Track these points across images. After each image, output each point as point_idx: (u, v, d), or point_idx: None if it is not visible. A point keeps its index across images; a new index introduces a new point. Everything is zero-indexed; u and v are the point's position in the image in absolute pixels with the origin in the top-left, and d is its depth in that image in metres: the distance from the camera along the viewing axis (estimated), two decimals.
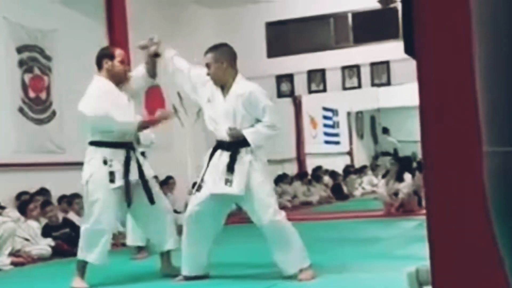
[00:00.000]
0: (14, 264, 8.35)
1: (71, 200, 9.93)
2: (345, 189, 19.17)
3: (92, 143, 6.24)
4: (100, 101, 6.18)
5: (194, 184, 6.50)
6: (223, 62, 5.93)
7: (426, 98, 1.85)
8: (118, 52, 6.43)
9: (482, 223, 1.60)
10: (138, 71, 6.48)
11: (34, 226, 9.08)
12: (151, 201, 6.31)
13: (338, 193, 18.66)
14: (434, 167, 1.86)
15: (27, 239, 8.85)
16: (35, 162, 10.22)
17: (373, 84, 13.17)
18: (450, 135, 1.83)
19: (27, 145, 10.18)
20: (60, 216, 9.62)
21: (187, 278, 6.12)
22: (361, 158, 24.88)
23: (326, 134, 22.88)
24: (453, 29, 1.78)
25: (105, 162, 6.13)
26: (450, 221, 1.86)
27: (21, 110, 10.12)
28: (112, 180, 6.13)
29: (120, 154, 6.22)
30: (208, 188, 5.91)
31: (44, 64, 10.58)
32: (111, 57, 6.35)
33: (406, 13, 1.94)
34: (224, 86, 5.97)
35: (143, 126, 6.41)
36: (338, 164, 21.38)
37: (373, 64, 12.86)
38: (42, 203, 9.66)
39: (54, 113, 10.65)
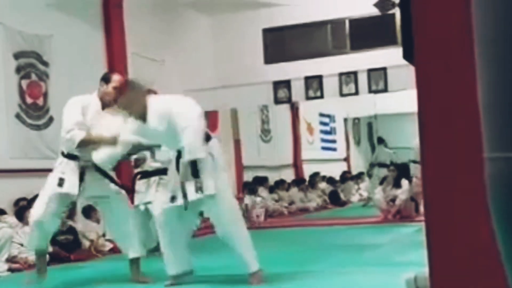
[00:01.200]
0: (10, 270, 8.36)
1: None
2: (342, 195, 19.19)
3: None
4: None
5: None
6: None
7: (425, 104, 1.84)
8: (114, 77, 6.77)
9: (482, 230, 1.63)
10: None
11: None
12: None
13: (335, 199, 18.68)
14: (433, 173, 1.84)
15: (23, 245, 8.79)
16: (32, 168, 10.17)
17: (370, 91, 13.16)
18: (449, 141, 1.82)
19: (24, 151, 10.19)
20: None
21: (176, 278, 6.31)
22: (358, 165, 24.88)
23: (323, 140, 22.92)
24: (452, 35, 1.78)
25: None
26: (449, 227, 1.84)
27: (18, 116, 10.12)
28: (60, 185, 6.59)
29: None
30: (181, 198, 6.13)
31: (41, 70, 10.58)
32: (107, 80, 6.72)
33: (405, 18, 1.94)
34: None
35: (84, 142, 6.53)
36: (335, 170, 21.42)
37: (370, 71, 12.86)
38: None
39: (51, 119, 10.62)
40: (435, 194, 1.85)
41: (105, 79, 6.75)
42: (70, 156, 6.64)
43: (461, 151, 1.78)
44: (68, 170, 6.59)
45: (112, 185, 6.80)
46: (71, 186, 6.56)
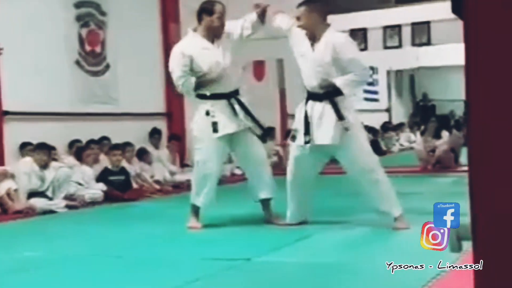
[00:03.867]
0: (68, 207, 8.77)
1: (123, 149, 10.27)
2: (382, 145, 19.32)
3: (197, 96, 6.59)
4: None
5: (288, 132, 6.67)
6: (314, 14, 6.12)
7: (473, 57, 1.78)
8: (217, 7, 6.55)
9: None
10: (246, 20, 6.64)
11: (88, 172, 9.52)
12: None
13: (376, 148, 18.75)
14: (479, 124, 1.79)
15: (81, 184, 9.29)
16: (90, 112, 10.64)
17: (413, 44, 13.26)
18: (497, 95, 1.76)
19: (82, 96, 10.57)
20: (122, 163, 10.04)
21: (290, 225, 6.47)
22: (399, 115, 25.03)
23: (365, 91, 22.97)
24: None
25: (207, 113, 6.47)
26: (494, 177, 1.78)
27: (77, 62, 10.52)
28: (215, 130, 6.48)
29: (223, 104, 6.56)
30: (303, 140, 6.14)
31: (99, 19, 10.93)
32: (211, 12, 6.52)
33: None
34: (314, 38, 6.14)
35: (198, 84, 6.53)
36: (376, 121, 21.54)
37: (414, 24, 12.97)
38: (110, 147, 10.16)
39: (108, 66, 11.05)
40: (480, 144, 1.79)
41: (208, 10, 6.51)
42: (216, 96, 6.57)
43: (509, 104, 1.75)
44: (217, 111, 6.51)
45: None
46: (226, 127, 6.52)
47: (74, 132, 10.18)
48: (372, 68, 23.03)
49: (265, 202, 6.78)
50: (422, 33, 13.07)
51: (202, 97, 6.53)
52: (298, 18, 6.18)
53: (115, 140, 10.48)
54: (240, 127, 6.55)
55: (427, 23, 12.90)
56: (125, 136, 10.62)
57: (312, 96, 6.19)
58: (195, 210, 6.68)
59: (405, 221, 6.06)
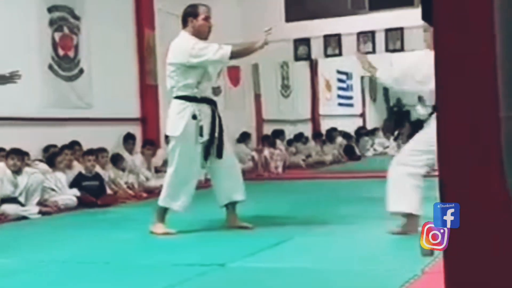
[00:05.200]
0: (41, 213, 8.70)
1: (97, 154, 10.21)
2: (357, 150, 19.48)
3: (179, 98, 6.47)
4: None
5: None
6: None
7: (442, 63, 1.85)
8: (202, 9, 6.51)
9: (494, 186, 1.75)
10: None
11: (61, 178, 9.45)
12: (219, 155, 6.57)
13: (350, 153, 18.95)
14: (448, 130, 1.85)
15: (54, 190, 9.23)
16: (63, 117, 10.53)
17: (387, 50, 13.38)
18: (465, 100, 1.83)
19: (55, 101, 10.49)
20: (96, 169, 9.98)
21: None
22: (373, 121, 25.18)
23: (340, 96, 23.14)
24: None
25: (194, 117, 6.39)
26: (462, 182, 1.85)
27: (50, 67, 10.43)
28: (201, 134, 6.41)
29: (207, 109, 6.52)
30: None
31: (73, 24, 10.86)
32: (196, 15, 6.47)
33: None
34: None
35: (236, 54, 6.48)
36: (350, 126, 21.70)
37: (387, 31, 13.09)
38: (84, 152, 10.07)
39: (81, 71, 10.96)
40: (450, 148, 1.84)
41: (192, 13, 6.47)
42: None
43: (476, 109, 1.80)
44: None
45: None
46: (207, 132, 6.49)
47: (47, 138, 10.10)
48: (346, 74, 23.17)
49: (233, 206, 6.73)
50: (395, 39, 13.16)
51: (189, 99, 6.43)
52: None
53: (89, 145, 10.39)
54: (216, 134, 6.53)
55: (400, 29, 13.00)
56: (99, 141, 10.55)
57: None
58: (163, 215, 6.61)
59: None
